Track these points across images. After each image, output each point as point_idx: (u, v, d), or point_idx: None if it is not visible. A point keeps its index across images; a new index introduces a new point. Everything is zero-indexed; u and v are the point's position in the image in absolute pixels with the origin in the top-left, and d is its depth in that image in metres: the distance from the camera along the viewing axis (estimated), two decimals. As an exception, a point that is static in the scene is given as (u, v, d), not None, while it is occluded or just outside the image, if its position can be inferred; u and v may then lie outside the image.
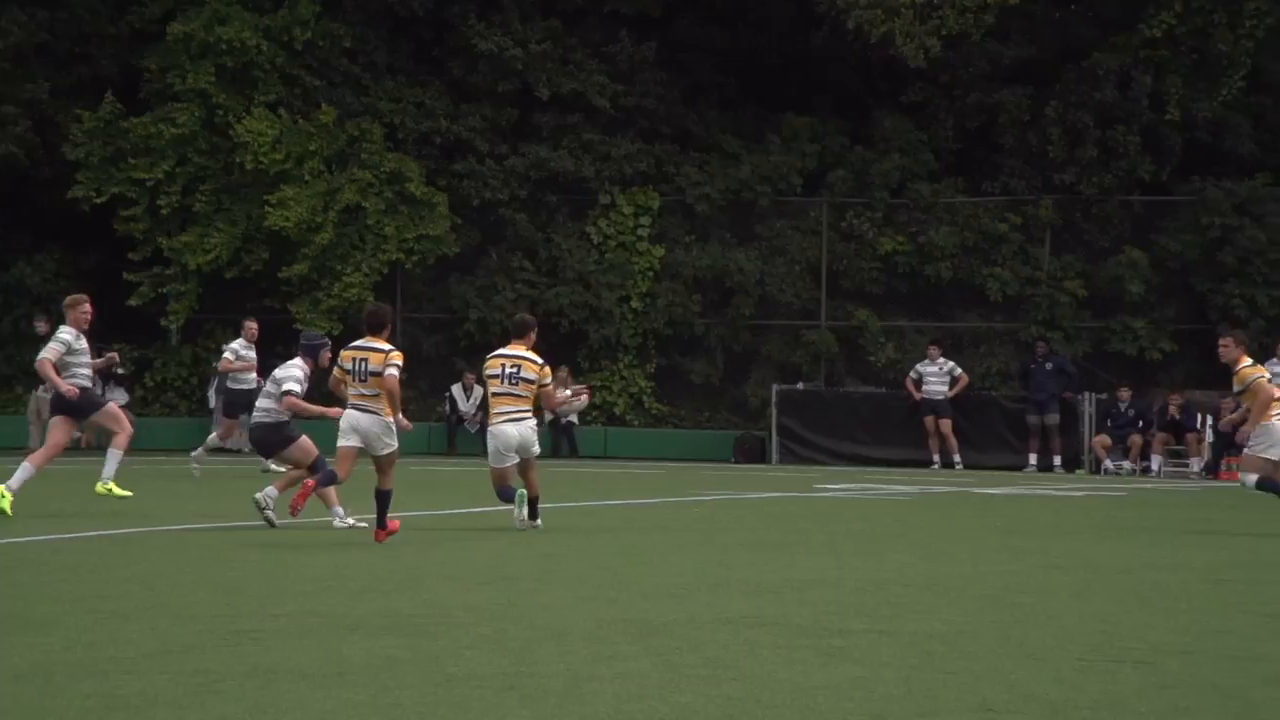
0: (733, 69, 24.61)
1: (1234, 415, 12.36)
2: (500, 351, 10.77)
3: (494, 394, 10.62)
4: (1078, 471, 20.86)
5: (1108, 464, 20.88)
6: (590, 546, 9.80)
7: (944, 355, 21.63)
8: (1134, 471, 20.75)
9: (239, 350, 17.01)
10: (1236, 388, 11.84)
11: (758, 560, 9.02)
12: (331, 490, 10.24)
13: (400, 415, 9.81)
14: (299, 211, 22.05)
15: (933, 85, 23.47)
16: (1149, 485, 18.75)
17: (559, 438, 22.69)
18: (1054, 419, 21.06)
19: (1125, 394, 21.21)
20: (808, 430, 21.81)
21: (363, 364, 9.69)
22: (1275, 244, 21.98)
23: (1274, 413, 11.64)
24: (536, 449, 10.64)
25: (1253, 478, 11.71)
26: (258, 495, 10.40)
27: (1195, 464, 20.67)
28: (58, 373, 11.25)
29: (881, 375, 22.80)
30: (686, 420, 23.53)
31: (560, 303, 23.05)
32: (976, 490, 16.48)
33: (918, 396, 21.36)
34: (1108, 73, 22.40)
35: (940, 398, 21.25)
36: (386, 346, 9.77)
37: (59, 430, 11.38)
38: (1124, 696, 5.00)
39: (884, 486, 16.54)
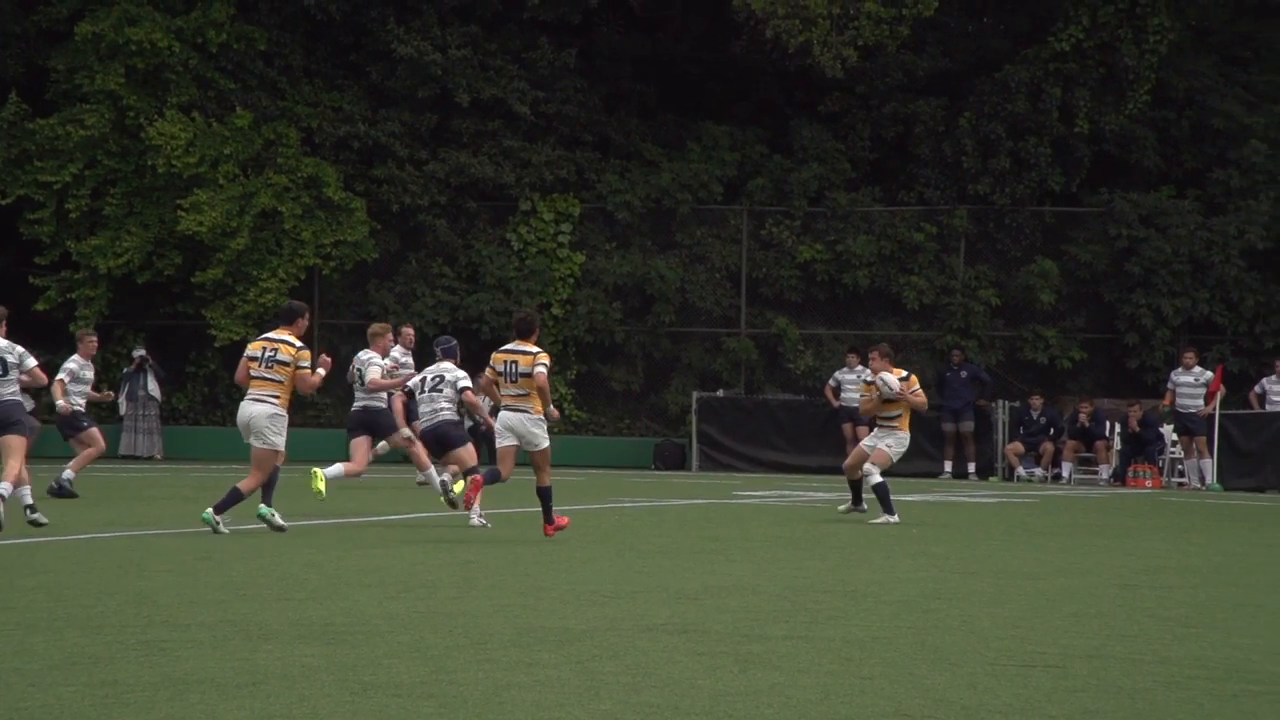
0: (652, 77, 24.69)
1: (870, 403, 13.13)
2: (267, 335, 10.85)
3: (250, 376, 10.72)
4: (991, 479, 21.16)
5: (1020, 471, 21.22)
6: (511, 554, 9.76)
7: (862, 363, 21.85)
8: (1045, 478, 21.10)
9: (399, 358, 15.96)
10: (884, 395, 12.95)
11: (677, 567, 9.04)
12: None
13: (550, 408, 10.63)
14: (213, 216, 21.73)
15: (850, 95, 23.73)
16: (1060, 492, 19.08)
17: (478, 444, 22.55)
18: (969, 426, 21.36)
19: (1037, 402, 21.58)
20: (727, 437, 21.91)
21: (513, 365, 10.48)
22: (1180, 255, 22.51)
23: (906, 429, 12.90)
24: (270, 439, 10.36)
25: (878, 477, 12.67)
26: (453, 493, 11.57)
27: (1104, 471, 21.08)
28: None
29: (800, 383, 22.99)
30: (607, 428, 23.54)
31: (480, 309, 22.97)
32: (893, 497, 16.64)
33: (836, 404, 21.56)
34: (1019, 85, 22.81)
35: (858, 405, 21.45)
36: (534, 349, 10.57)
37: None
38: (1035, 700, 5.08)
39: (802, 493, 16.65)
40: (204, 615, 6.62)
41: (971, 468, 21.39)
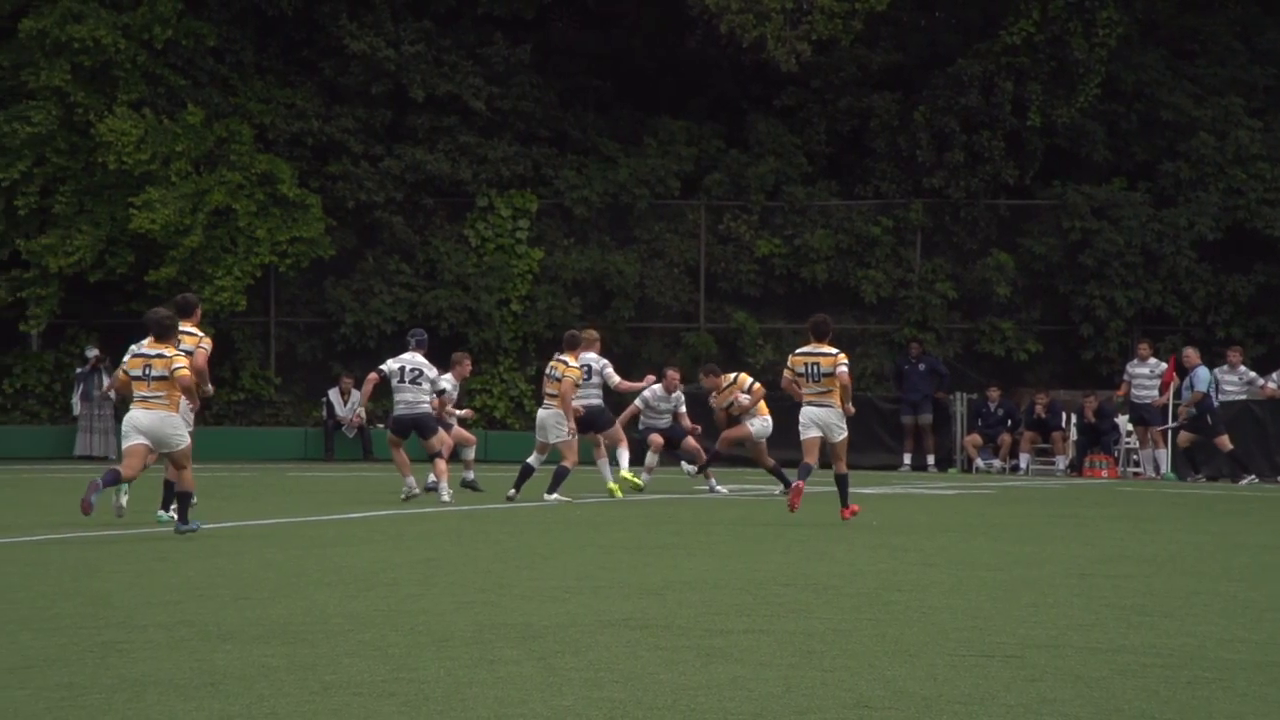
0: (608, 72, 24.68)
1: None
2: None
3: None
4: (950, 470, 21.31)
5: (979, 462, 21.38)
6: (472, 550, 9.73)
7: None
8: (1004, 469, 21.27)
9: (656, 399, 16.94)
10: (725, 402, 15.43)
11: (639, 562, 9.04)
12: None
13: (849, 404, 11.87)
14: (166, 213, 21.53)
15: (805, 90, 23.81)
16: (1018, 483, 19.24)
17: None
18: (927, 419, 21.50)
19: (995, 394, 21.75)
20: (687, 432, 21.87)
21: (815, 366, 11.75)
22: (1132, 247, 22.74)
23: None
24: (181, 442, 10.45)
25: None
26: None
27: (1060, 462, 21.27)
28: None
29: (761, 377, 23.00)
30: (566, 423, 23.51)
31: (439, 305, 22.91)
32: (853, 490, 16.70)
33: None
34: (972, 79, 22.96)
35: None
36: (834, 350, 11.84)
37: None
38: (993, 690, 5.12)
39: (763, 487, 16.70)
40: (161, 616, 6.56)
41: (930, 460, 21.52)
